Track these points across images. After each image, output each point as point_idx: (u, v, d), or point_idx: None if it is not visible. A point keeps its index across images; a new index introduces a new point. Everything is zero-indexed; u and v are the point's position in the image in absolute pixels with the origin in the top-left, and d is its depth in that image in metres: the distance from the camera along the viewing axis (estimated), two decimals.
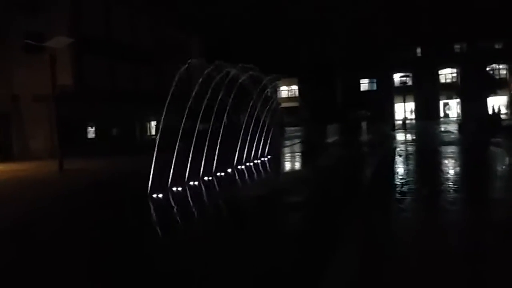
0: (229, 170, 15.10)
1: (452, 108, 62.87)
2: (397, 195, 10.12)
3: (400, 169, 14.76)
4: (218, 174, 14.20)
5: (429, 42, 58.22)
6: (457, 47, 61.13)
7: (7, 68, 25.85)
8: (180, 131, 11.92)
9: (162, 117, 11.37)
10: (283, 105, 52.13)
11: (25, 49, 24.31)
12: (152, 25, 37.30)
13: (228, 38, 50.60)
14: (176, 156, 11.81)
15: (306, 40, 55.73)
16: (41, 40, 19.39)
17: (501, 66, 59.08)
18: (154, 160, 11.07)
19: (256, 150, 18.50)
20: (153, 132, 34.67)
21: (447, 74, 62.80)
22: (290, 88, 67.66)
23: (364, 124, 37.06)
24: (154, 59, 36.11)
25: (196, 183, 12.69)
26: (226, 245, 6.88)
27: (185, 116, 11.85)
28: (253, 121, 18.44)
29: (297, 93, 66.53)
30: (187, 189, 11.93)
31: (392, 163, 15.98)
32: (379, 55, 58.51)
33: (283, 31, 55.73)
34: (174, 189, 11.65)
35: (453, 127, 36.57)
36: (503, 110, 51.47)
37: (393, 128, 37.57)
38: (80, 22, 29.29)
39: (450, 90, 60.88)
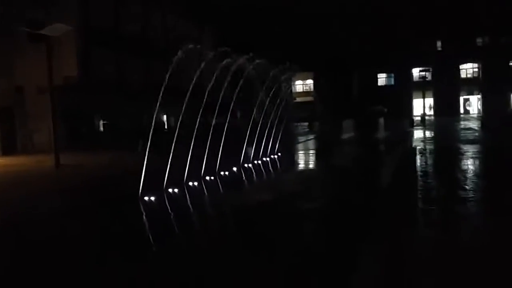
0: (235, 169, 13.93)
1: (473, 104, 60.88)
2: (421, 204, 8.85)
3: (422, 171, 13.38)
4: (222, 173, 13.03)
5: (450, 35, 56.12)
6: (479, 41, 58.85)
7: (11, 59, 24.97)
8: (178, 126, 10.78)
9: (155, 112, 10.21)
10: (298, 99, 50.94)
11: (29, 39, 23.37)
12: (163, 16, 36.23)
13: (243, 30, 49.29)
14: (175, 153, 10.66)
15: (322, 33, 54.15)
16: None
17: None
18: (146, 158, 9.93)
19: (266, 147, 17.30)
20: (165, 126, 33.76)
21: (468, 69, 60.62)
22: (305, 83, 66.09)
23: (381, 120, 35.45)
24: (164, 51, 35.02)
25: (196, 183, 11.52)
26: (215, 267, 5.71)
27: (183, 110, 10.68)
28: (263, 115, 17.23)
29: (312, 87, 64.88)
30: (185, 191, 10.76)
31: (413, 163, 14.61)
32: (398, 49, 56.59)
33: (299, 24, 54.30)
34: (170, 190, 10.51)
35: (475, 124, 34.86)
36: None
37: (411, 124, 35.90)
38: (87, 12, 28.36)
39: (471, 85, 58.94)
